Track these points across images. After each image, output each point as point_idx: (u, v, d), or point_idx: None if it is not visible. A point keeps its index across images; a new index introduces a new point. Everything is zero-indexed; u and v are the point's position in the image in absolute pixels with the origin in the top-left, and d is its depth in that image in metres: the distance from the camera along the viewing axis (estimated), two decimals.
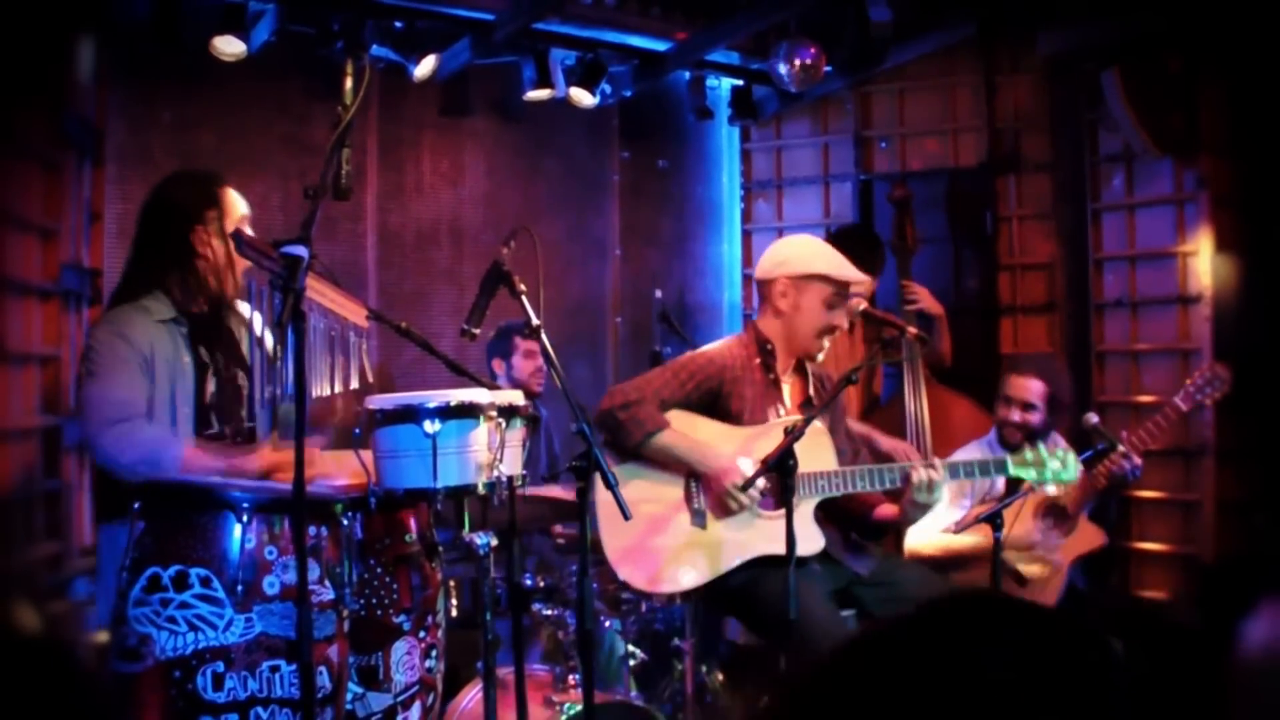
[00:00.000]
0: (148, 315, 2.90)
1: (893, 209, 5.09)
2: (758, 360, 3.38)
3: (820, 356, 3.43)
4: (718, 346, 3.46)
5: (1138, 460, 3.86)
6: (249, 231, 2.92)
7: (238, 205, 3.01)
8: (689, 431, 3.30)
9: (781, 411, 3.35)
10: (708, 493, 3.29)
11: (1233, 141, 4.81)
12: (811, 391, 3.44)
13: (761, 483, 3.16)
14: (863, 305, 3.33)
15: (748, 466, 3.22)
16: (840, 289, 3.35)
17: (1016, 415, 4.06)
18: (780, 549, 2.87)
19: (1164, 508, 4.97)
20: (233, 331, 3.06)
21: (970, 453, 4.02)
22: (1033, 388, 4.06)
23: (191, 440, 2.84)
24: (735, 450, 3.28)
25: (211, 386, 2.93)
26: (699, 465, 3.25)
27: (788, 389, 3.44)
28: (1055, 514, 3.97)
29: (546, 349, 2.74)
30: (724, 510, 3.25)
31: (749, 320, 3.51)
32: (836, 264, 3.38)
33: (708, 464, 3.24)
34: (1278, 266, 4.65)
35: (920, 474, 3.17)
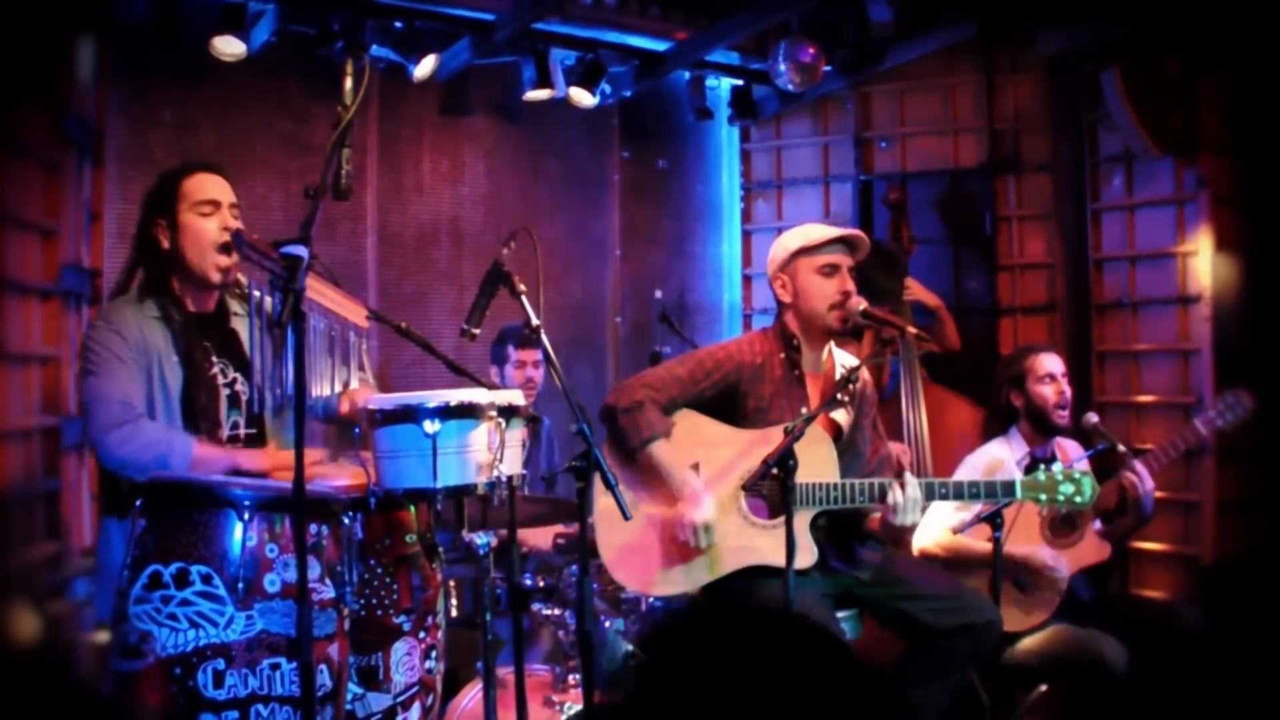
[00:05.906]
0: (140, 310, 2.86)
1: (888, 212, 5.11)
2: (781, 355, 3.33)
3: (845, 324, 3.31)
4: (737, 341, 3.42)
5: (1151, 484, 3.68)
6: (237, 223, 2.90)
7: (204, 188, 2.91)
8: (694, 433, 3.27)
9: (804, 411, 3.23)
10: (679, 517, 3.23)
11: (1233, 141, 4.81)
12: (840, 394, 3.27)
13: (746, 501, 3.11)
14: (862, 305, 3.29)
15: (709, 507, 3.18)
16: (824, 252, 3.30)
17: (1052, 392, 3.79)
18: (775, 561, 2.81)
19: (1164, 508, 4.95)
20: (236, 334, 2.99)
21: (992, 452, 3.86)
22: (1056, 358, 3.88)
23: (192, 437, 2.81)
24: (725, 464, 3.21)
25: (196, 387, 2.84)
26: (673, 488, 3.22)
27: (812, 386, 3.35)
28: (1065, 525, 3.78)
29: (547, 349, 2.73)
30: (682, 539, 3.19)
31: (776, 319, 3.46)
32: (807, 233, 3.36)
33: (679, 491, 3.21)
34: (1278, 266, 4.65)
35: (895, 496, 3.05)
